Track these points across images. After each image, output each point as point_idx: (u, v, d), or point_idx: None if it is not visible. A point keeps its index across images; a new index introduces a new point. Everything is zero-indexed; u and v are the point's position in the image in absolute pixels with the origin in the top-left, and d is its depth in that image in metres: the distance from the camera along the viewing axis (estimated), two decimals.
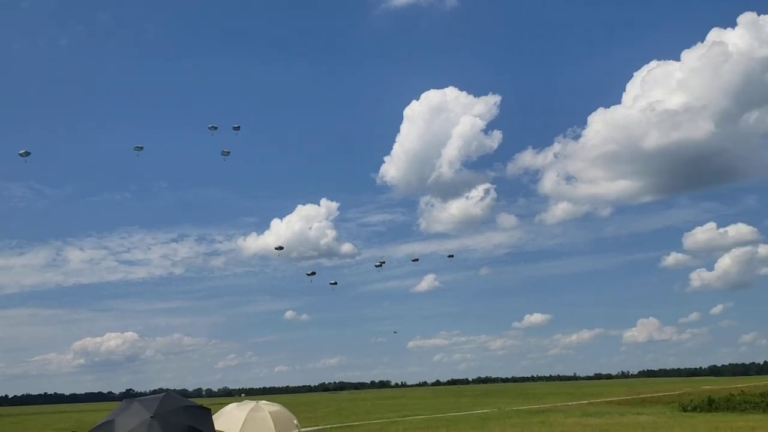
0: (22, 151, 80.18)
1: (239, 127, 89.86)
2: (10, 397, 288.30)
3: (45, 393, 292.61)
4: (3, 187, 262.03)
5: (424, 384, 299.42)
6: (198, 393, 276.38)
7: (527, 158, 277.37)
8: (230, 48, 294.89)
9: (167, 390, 7.07)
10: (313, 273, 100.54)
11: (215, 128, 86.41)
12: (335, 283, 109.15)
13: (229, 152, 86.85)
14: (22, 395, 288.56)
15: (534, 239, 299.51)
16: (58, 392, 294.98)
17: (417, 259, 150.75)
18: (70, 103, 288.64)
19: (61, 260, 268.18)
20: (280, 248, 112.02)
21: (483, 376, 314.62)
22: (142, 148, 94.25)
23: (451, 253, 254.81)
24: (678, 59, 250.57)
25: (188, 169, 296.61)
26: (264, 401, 8.08)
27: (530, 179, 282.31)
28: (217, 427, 7.65)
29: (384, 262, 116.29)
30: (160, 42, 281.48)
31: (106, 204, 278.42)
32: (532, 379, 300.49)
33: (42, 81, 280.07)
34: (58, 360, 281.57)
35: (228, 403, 9.08)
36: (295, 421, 7.74)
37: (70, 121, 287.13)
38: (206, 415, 6.65)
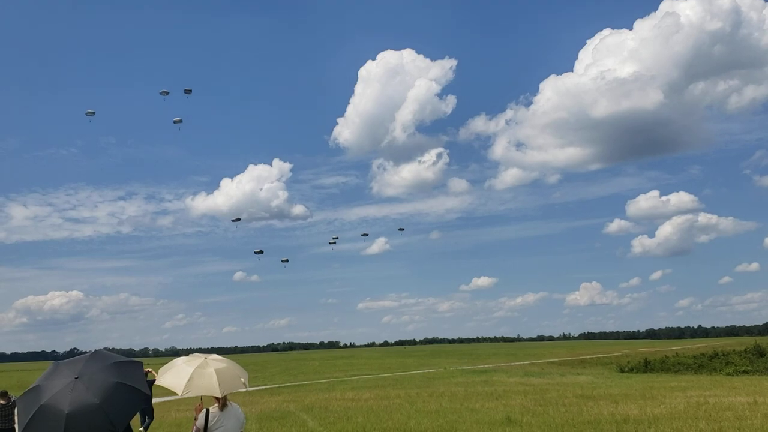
0: None
1: (191, 90, 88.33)
2: None
3: None
4: None
5: (373, 345, 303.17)
6: (145, 353, 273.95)
7: (480, 124, 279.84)
8: (180, 2, 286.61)
9: (98, 349, 6.86)
10: (261, 252, 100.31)
11: (167, 93, 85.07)
12: (287, 261, 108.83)
13: (181, 120, 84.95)
14: None
15: (484, 204, 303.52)
16: (0, 351, 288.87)
17: (367, 234, 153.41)
18: (17, 53, 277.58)
19: (4, 216, 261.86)
20: (237, 220, 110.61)
21: (430, 337, 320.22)
22: (93, 113, 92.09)
23: (402, 223, 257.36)
24: (631, 28, 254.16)
25: (137, 125, 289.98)
26: (214, 357, 7.91)
27: (482, 145, 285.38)
28: (163, 382, 7.59)
29: (337, 238, 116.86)
30: None
31: (52, 159, 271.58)
32: (478, 340, 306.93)
33: None
34: None
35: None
36: (243, 379, 7.59)
37: (16, 73, 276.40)
38: (136, 368, 6.43)
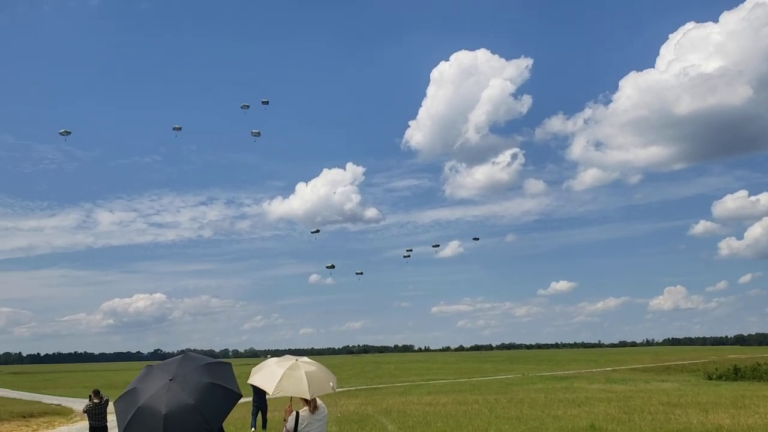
0: (62, 131, 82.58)
1: (268, 101, 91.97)
2: (41, 355, 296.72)
3: (75, 352, 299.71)
4: (35, 149, 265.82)
5: (448, 349, 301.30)
6: (225, 354, 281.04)
7: (557, 123, 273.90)
8: (254, 12, 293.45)
9: (186, 351, 7.04)
10: (333, 266, 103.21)
11: (247, 107, 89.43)
12: (361, 273, 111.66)
13: (259, 133, 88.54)
14: (53, 354, 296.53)
15: (563, 206, 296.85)
16: (88, 351, 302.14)
17: (438, 245, 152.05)
18: (102, 64, 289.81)
19: (92, 222, 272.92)
20: (317, 231, 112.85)
21: (507, 342, 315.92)
22: (180, 128, 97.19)
23: (476, 226, 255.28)
24: (716, 21, 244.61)
25: (217, 133, 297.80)
26: (305, 359, 8.02)
27: (559, 145, 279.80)
28: (254, 381, 7.89)
29: (411, 251, 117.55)
30: (191, 5, 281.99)
31: (136, 166, 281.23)
32: (557, 346, 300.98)
33: (72, 41, 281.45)
34: (87, 320, 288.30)
35: (255, 364, 9.12)
36: (331, 383, 7.68)
37: (101, 83, 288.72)
38: (226, 369, 6.60)
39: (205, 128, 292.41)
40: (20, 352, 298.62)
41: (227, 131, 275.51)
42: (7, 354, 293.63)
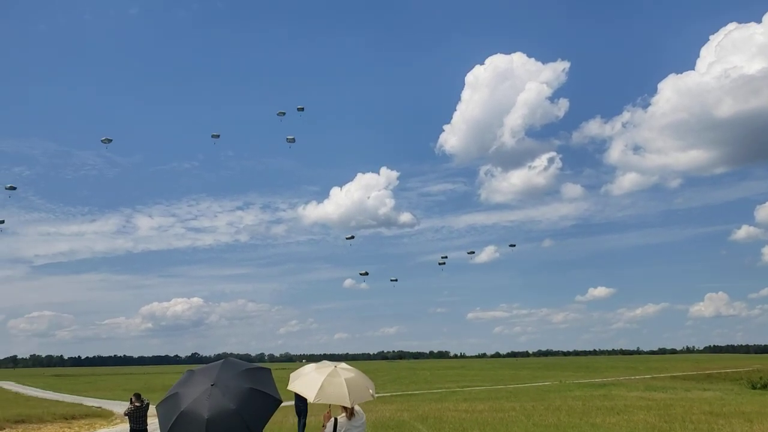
0: (104, 138, 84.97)
1: (303, 108, 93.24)
2: (82, 358, 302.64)
3: (115, 355, 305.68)
4: (76, 156, 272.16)
5: (484, 356, 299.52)
6: (260, 358, 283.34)
7: (594, 127, 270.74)
8: (291, 20, 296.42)
9: (226, 356, 7.13)
10: (366, 273, 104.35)
11: (284, 114, 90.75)
12: (395, 280, 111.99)
13: (294, 139, 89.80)
14: (94, 356, 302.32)
15: (601, 211, 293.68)
16: (127, 354, 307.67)
17: (473, 252, 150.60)
18: (140, 72, 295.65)
19: (131, 227, 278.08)
20: (351, 237, 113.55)
21: (544, 349, 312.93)
22: (218, 135, 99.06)
23: (512, 231, 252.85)
24: (759, 21, 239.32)
25: (254, 138, 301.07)
26: (343, 365, 8.05)
27: (597, 149, 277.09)
28: (294, 388, 7.90)
29: (446, 257, 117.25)
30: (227, 13, 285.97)
31: (175, 172, 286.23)
32: (594, 353, 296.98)
33: (112, 49, 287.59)
34: (126, 324, 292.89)
35: (290, 368, 9.15)
36: (371, 390, 7.68)
37: (140, 90, 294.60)
38: (266, 375, 6.67)
39: (242, 134, 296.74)
40: (62, 355, 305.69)
41: (264, 137, 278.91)
42: (50, 356, 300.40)
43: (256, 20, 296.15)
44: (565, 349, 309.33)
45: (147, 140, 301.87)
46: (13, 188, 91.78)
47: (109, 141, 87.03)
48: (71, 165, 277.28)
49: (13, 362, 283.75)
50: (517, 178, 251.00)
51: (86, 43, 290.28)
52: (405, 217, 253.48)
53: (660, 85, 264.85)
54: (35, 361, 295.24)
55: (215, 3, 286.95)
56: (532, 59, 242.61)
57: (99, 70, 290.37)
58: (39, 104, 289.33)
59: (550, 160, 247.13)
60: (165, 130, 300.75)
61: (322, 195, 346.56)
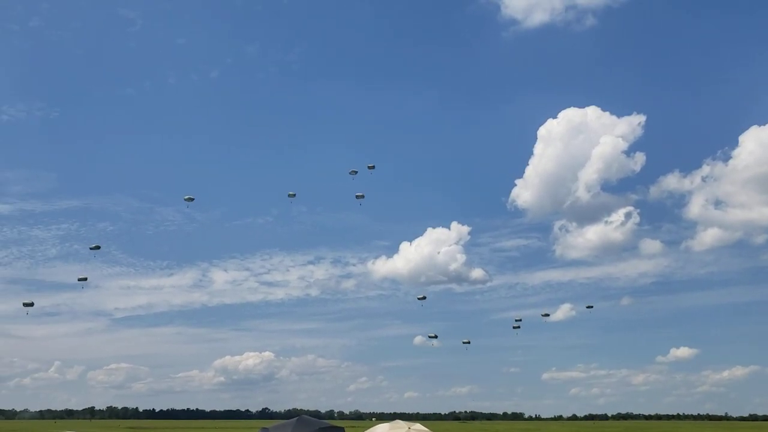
0: (186, 197, 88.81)
1: (374, 166, 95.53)
2: (156, 411, 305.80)
3: (188, 408, 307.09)
4: (157, 212, 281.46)
5: (560, 418, 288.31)
6: (330, 415, 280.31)
7: (672, 181, 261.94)
8: (363, 77, 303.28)
9: (300, 414, 5.90)
10: (435, 336, 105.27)
11: (356, 173, 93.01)
12: (468, 342, 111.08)
13: (363, 195, 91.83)
14: (168, 410, 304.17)
15: (682, 267, 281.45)
16: (200, 408, 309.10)
17: (548, 314, 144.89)
18: (219, 132, 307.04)
19: (207, 281, 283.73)
20: (423, 298, 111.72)
21: (623, 411, 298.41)
22: (294, 195, 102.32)
23: (589, 288, 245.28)
24: None
25: (325, 195, 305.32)
26: (417, 426, 6.65)
27: (675, 203, 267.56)
28: None
29: (521, 320, 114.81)
30: (302, 74, 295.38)
31: (250, 227, 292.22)
32: (679, 417, 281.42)
33: (194, 111, 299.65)
34: (200, 377, 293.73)
35: (360, 427, 7.82)
36: None
37: (218, 149, 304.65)
38: None
39: (315, 190, 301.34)
40: (137, 407, 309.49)
41: (335, 193, 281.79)
42: (125, 408, 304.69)
43: (328, 79, 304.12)
44: (646, 413, 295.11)
45: (224, 197, 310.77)
46: (97, 248, 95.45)
47: (191, 200, 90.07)
48: (152, 221, 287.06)
49: (90, 413, 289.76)
50: (593, 234, 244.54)
51: (170, 106, 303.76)
52: (477, 273, 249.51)
53: (741, 138, 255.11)
54: (111, 413, 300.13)
55: (290, 65, 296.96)
56: (607, 113, 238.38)
57: (181, 131, 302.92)
58: (124, 163, 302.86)
59: (627, 215, 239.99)
60: (241, 187, 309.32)
61: (392, 250, 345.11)
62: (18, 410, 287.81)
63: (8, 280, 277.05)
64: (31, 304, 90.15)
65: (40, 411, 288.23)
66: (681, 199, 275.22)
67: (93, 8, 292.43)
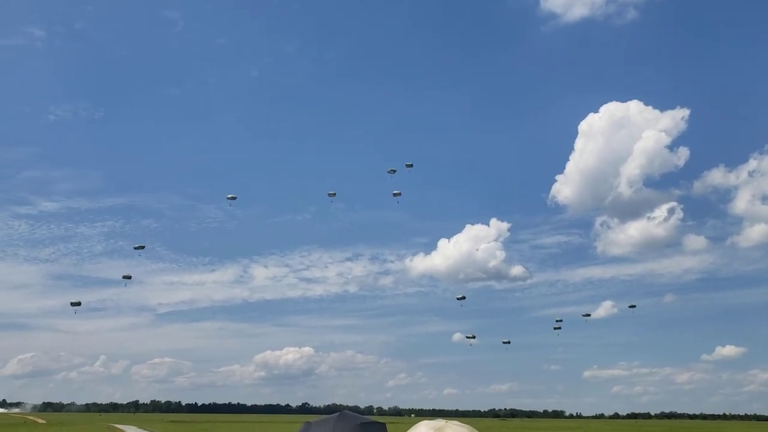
0: (229, 195, 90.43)
1: (412, 165, 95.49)
2: (199, 405, 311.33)
3: (229, 403, 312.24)
4: (199, 209, 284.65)
5: (602, 416, 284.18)
6: (369, 411, 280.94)
7: (717, 176, 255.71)
8: (400, 74, 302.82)
9: (342, 409, 6.09)
10: (473, 336, 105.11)
11: (394, 171, 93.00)
12: (508, 342, 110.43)
13: (400, 193, 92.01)
14: (210, 404, 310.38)
15: (728, 264, 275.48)
16: (241, 402, 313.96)
17: (589, 315, 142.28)
18: (260, 131, 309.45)
19: (248, 277, 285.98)
20: (462, 298, 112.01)
21: (667, 410, 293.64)
22: (334, 194, 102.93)
23: (631, 285, 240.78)
24: None
25: (363, 192, 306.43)
26: (455, 422, 6.48)
27: (720, 199, 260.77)
28: None
29: (561, 321, 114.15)
30: (340, 73, 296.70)
31: (289, 224, 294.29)
32: (725, 417, 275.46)
33: (234, 111, 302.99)
34: (241, 371, 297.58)
35: (400, 423, 7.71)
36: None
37: (258, 148, 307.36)
38: (381, 430, 5.58)
39: (353, 187, 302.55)
40: (180, 401, 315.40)
41: (373, 190, 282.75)
42: (168, 402, 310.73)
43: (366, 77, 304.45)
44: (691, 412, 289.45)
45: (263, 194, 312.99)
46: (141, 248, 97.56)
47: (234, 198, 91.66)
48: (194, 218, 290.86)
49: (134, 407, 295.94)
50: (635, 230, 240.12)
51: (211, 105, 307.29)
52: (517, 270, 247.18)
53: None
54: (155, 407, 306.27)
55: (329, 63, 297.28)
56: (649, 107, 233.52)
57: (221, 130, 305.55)
58: (167, 162, 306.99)
59: (671, 211, 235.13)
60: (280, 185, 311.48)
61: (430, 247, 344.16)
62: (65, 403, 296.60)
63: (55, 276, 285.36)
64: (79, 304, 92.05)
65: (86, 404, 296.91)
66: (726, 195, 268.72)
67: (136, 10, 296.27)
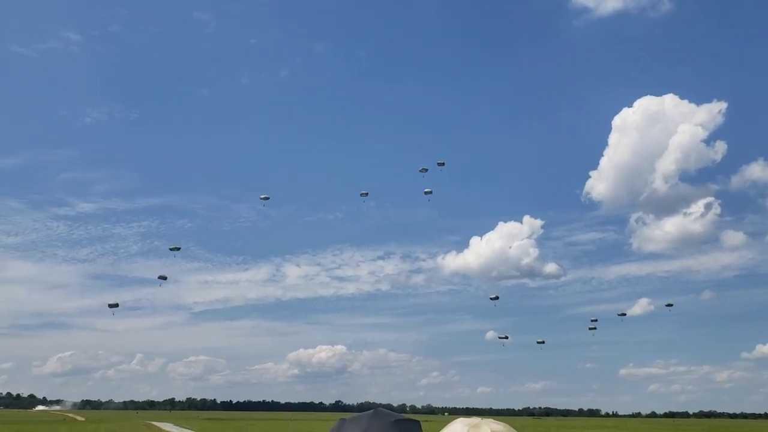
0: (262, 196, 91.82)
1: (444, 163, 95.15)
2: (233, 402, 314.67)
3: (263, 400, 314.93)
4: (232, 209, 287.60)
5: (638, 415, 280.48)
6: (402, 409, 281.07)
7: (756, 170, 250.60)
8: (431, 70, 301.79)
9: (376, 407, 5.97)
10: (506, 337, 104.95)
11: (426, 170, 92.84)
12: (542, 342, 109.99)
13: (431, 191, 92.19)
14: (244, 401, 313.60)
15: None
16: (275, 400, 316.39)
17: (624, 314, 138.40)
18: (291, 131, 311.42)
19: (281, 276, 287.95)
20: (496, 298, 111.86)
21: (706, 410, 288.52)
22: (367, 194, 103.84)
23: (668, 282, 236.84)
24: None
25: (394, 189, 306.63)
26: (491, 420, 6.23)
27: (759, 193, 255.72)
28: None
29: (596, 320, 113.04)
30: (371, 72, 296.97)
31: (321, 223, 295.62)
32: (767, 416, 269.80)
33: (266, 109, 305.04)
34: (275, 369, 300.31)
35: (434, 421, 7.53)
36: None
37: (290, 148, 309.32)
38: (416, 427, 5.44)
39: (383, 186, 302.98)
40: (215, 399, 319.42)
41: (405, 188, 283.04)
42: (204, 400, 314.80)
43: (396, 76, 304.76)
44: (730, 411, 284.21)
45: (295, 193, 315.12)
46: (177, 249, 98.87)
47: (267, 198, 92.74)
48: (228, 217, 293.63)
49: (170, 404, 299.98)
50: (671, 226, 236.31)
51: (243, 105, 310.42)
52: (550, 267, 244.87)
53: None
54: (190, 404, 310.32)
55: (360, 62, 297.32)
56: (685, 101, 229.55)
57: (253, 130, 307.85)
58: (201, 162, 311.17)
59: (708, 206, 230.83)
60: (312, 184, 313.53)
61: (462, 245, 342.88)
62: (103, 401, 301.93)
63: (92, 275, 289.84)
64: (116, 306, 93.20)
65: (124, 402, 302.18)
66: (765, 189, 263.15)
67: (169, 12, 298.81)
